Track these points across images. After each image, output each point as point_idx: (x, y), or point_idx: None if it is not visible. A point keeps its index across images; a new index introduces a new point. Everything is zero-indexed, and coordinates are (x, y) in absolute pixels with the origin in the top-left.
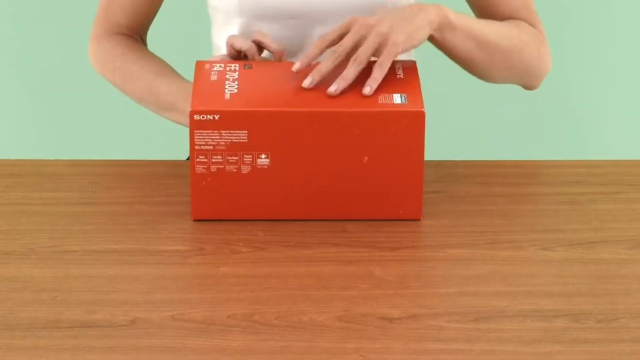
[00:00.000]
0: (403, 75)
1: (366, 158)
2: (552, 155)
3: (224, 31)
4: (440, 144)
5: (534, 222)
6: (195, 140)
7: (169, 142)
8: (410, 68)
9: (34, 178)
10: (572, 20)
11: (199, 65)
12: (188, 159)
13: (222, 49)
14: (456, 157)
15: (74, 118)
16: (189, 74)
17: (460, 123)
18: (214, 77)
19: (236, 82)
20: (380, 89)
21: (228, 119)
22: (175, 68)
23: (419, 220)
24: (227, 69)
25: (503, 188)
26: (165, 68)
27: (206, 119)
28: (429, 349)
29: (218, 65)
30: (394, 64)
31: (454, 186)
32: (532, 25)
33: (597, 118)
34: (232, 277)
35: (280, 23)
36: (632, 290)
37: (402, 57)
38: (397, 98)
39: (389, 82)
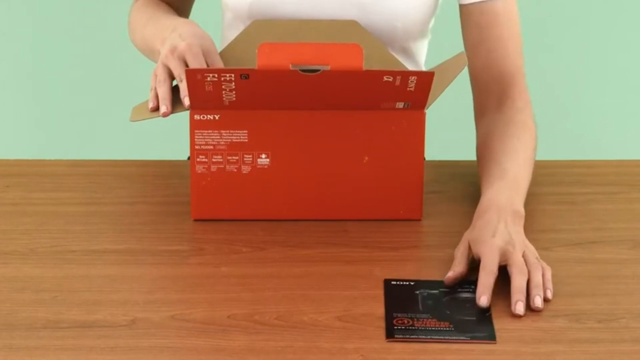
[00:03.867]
0: (414, 88)
1: (366, 158)
2: (552, 155)
3: (236, 27)
4: (440, 144)
5: (533, 222)
6: (196, 140)
7: (169, 142)
8: (425, 81)
9: (34, 178)
10: (572, 21)
11: (190, 74)
12: (188, 158)
13: None
14: (456, 157)
15: (74, 118)
16: None
17: (460, 123)
18: (209, 88)
19: (233, 92)
20: (386, 97)
21: (228, 119)
22: None
23: (419, 220)
24: (222, 79)
25: None
26: (158, 11)
27: (206, 119)
28: (429, 349)
29: (211, 75)
30: (407, 78)
31: (454, 186)
32: (520, 94)
33: (597, 118)
34: (232, 277)
35: None
36: (632, 290)
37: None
38: (399, 105)
39: (397, 92)
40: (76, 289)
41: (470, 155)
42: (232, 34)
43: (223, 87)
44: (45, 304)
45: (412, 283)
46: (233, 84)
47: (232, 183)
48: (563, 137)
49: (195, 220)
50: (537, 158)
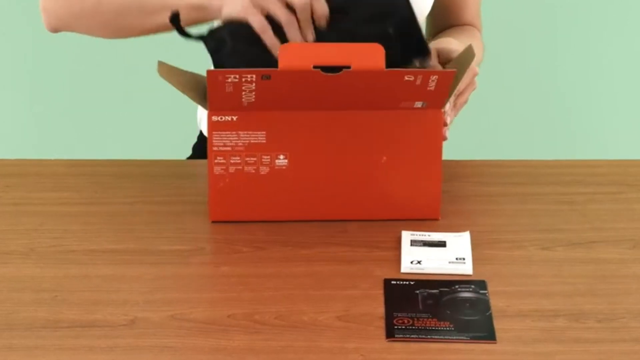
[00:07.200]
0: (434, 87)
1: (384, 158)
2: (552, 155)
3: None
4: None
5: (534, 222)
6: (214, 141)
7: (169, 142)
8: (446, 80)
9: (34, 178)
10: (573, 22)
11: (212, 75)
12: (188, 158)
13: None
14: (456, 157)
15: (74, 118)
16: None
17: (461, 123)
18: (229, 89)
19: (253, 93)
20: (406, 96)
21: (246, 120)
22: (174, 61)
23: (437, 220)
24: (243, 79)
25: (503, 188)
26: None
27: (224, 120)
28: (429, 349)
29: (232, 76)
30: (429, 76)
31: (454, 186)
32: (478, 28)
33: (596, 118)
34: (232, 277)
35: None
36: (632, 290)
37: None
38: (418, 104)
39: (417, 91)
40: (76, 289)
41: (470, 155)
42: None
43: (243, 88)
44: (45, 303)
45: (412, 283)
46: (253, 85)
47: (250, 184)
48: (563, 137)
49: (213, 222)
50: (537, 158)
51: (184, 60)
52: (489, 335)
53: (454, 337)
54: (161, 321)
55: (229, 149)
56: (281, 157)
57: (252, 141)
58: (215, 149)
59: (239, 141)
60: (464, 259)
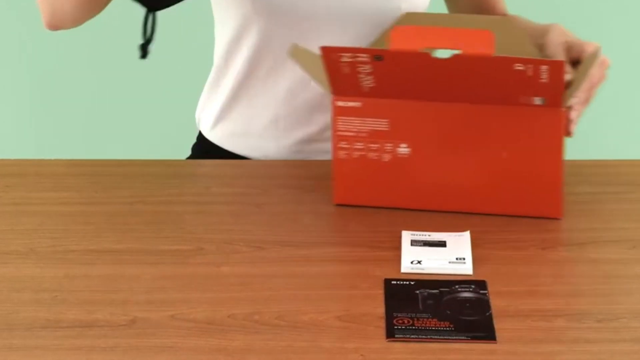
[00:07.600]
0: (548, 80)
1: (505, 154)
2: None
3: (233, 29)
4: None
5: (534, 222)
6: (338, 126)
7: (169, 142)
8: (557, 72)
9: (34, 178)
10: (574, 21)
11: (326, 51)
12: (188, 158)
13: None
14: None
15: (74, 118)
16: (198, 75)
17: None
18: (345, 70)
19: (370, 77)
20: (522, 90)
21: (370, 107)
22: (173, 63)
23: (559, 219)
24: (357, 59)
25: None
26: None
27: (348, 106)
28: (429, 349)
29: (346, 55)
30: (539, 67)
31: None
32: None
33: (597, 118)
34: (232, 277)
35: (294, 24)
36: (632, 290)
37: None
38: (537, 100)
39: (532, 84)
40: (76, 289)
41: None
42: (235, 32)
43: (359, 69)
44: (45, 303)
45: (412, 283)
46: (368, 66)
47: (373, 170)
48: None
49: (337, 204)
50: None
51: (183, 61)
52: (489, 335)
53: (454, 337)
54: (161, 321)
55: (352, 134)
56: (403, 145)
57: (375, 128)
58: (339, 133)
59: (362, 127)
60: (464, 259)
